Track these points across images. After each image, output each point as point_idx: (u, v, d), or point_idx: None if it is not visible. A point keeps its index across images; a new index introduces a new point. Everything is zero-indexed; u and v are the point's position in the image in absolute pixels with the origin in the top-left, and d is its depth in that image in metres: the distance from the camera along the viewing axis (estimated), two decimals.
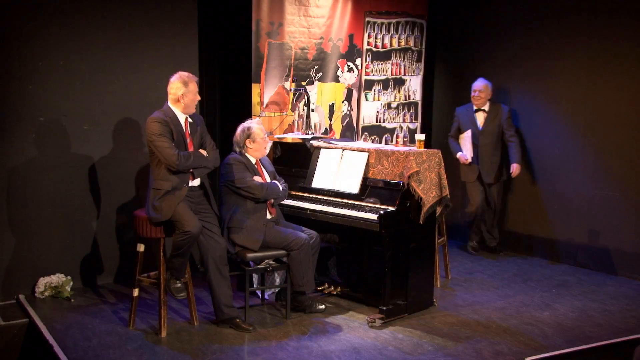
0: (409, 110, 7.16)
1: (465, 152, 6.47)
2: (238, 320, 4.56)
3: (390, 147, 5.09)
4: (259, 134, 4.77)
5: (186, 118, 4.51)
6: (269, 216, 4.79)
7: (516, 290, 5.51)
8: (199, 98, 4.53)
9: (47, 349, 4.23)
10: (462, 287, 5.59)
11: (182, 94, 4.41)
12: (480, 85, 6.42)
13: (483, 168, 6.44)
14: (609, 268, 6.01)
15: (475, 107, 6.46)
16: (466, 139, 6.47)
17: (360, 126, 6.79)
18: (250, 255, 4.60)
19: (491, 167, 6.43)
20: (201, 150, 4.53)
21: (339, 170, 5.03)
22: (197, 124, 4.60)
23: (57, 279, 5.16)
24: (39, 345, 4.44)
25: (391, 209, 4.64)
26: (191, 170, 4.45)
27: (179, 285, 4.46)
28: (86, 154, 5.35)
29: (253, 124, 4.80)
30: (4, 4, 4.94)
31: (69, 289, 5.17)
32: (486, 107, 6.44)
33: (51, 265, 5.23)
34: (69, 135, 5.26)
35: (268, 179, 4.85)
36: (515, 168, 6.37)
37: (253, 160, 4.81)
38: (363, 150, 4.98)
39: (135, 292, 4.56)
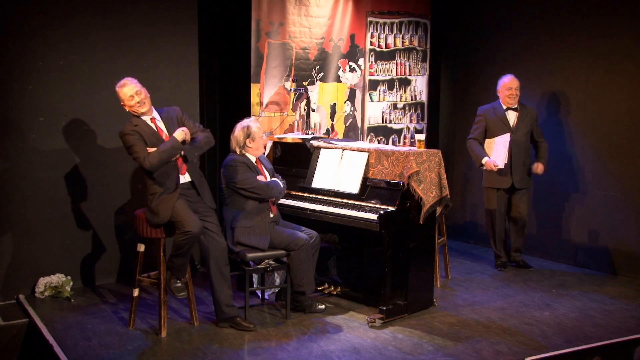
0: (415, 111, 7.14)
1: (496, 157, 5.78)
2: (239, 318, 4.56)
3: (390, 147, 5.09)
4: (258, 133, 4.77)
5: (152, 118, 4.49)
6: (271, 215, 4.80)
7: (516, 290, 5.51)
8: (138, 98, 4.41)
9: (47, 349, 4.23)
10: (462, 287, 5.59)
11: (121, 103, 4.46)
12: (517, 83, 5.83)
13: (516, 173, 5.82)
14: (609, 268, 6.01)
15: (505, 106, 5.88)
16: (500, 144, 5.81)
17: (365, 127, 6.79)
18: (250, 255, 4.60)
19: (524, 171, 5.86)
20: (175, 134, 4.41)
21: (339, 170, 5.03)
22: (171, 118, 4.56)
23: (57, 279, 5.16)
24: (39, 345, 4.44)
25: (391, 209, 4.64)
26: (183, 163, 4.45)
27: (179, 284, 4.46)
28: (86, 154, 5.35)
29: (251, 122, 4.79)
30: (4, 4, 4.94)
31: (69, 289, 5.17)
32: (517, 106, 5.89)
33: (51, 265, 5.23)
34: (69, 135, 5.26)
35: (269, 177, 4.86)
36: (540, 167, 5.88)
37: (253, 159, 4.81)
38: (363, 150, 4.98)
39: (135, 292, 4.56)
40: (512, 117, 5.88)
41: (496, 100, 5.96)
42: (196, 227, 4.30)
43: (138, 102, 4.42)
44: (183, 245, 4.31)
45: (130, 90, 4.42)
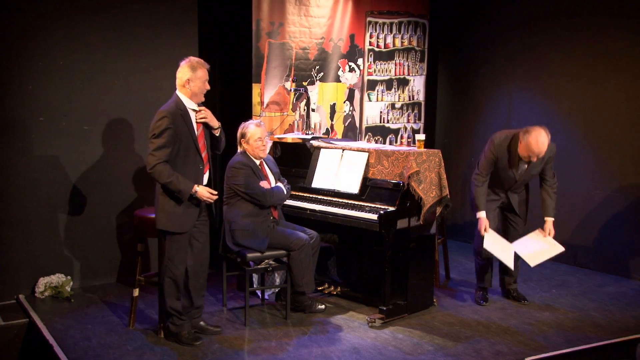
0: (412, 111, 7.15)
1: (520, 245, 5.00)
2: (202, 322, 4.50)
3: (390, 147, 5.09)
4: (253, 135, 4.68)
5: (199, 107, 4.21)
6: (271, 218, 4.78)
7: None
8: (208, 87, 4.18)
9: (47, 349, 4.23)
10: (462, 287, 5.59)
11: (187, 78, 4.09)
12: (544, 149, 4.72)
13: (513, 201, 5.09)
14: (609, 268, 6.01)
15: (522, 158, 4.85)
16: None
17: (363, 127, 6.79)
18: (250, 255, 4.60)
19: (522, 202, 5.17)
20: (199, 190, 4.14)
21: (339, 170, 5.03)
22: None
23: (57, 279, 5.16)
24: (39, 345, 4.44)
25: (391, 209, 4.64)
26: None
27: (190, 334, 4.33)
28: (86, 154, 5.35)
29: (251, 124, 4.75)
30: (4, 4, 4.94)
31: (69, 289, 5.17)
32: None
33: (51, 265, 5.23)
34: (69, 135, 5.26)
35: (273, 181, 4.82)
36: (550, 224, 5.04)
37: (257, 162, 4.78)
38: (363, 150, 4.98)
39: (135, 292, 4.57)
40: (522, 167, 4.94)
41: (514, 137, 4.84)
42: (182, 265, 4.21)
43: (207, 89, 4.19)
44: (168, 287, 4.22)
45: (206, 75, 4.15)
